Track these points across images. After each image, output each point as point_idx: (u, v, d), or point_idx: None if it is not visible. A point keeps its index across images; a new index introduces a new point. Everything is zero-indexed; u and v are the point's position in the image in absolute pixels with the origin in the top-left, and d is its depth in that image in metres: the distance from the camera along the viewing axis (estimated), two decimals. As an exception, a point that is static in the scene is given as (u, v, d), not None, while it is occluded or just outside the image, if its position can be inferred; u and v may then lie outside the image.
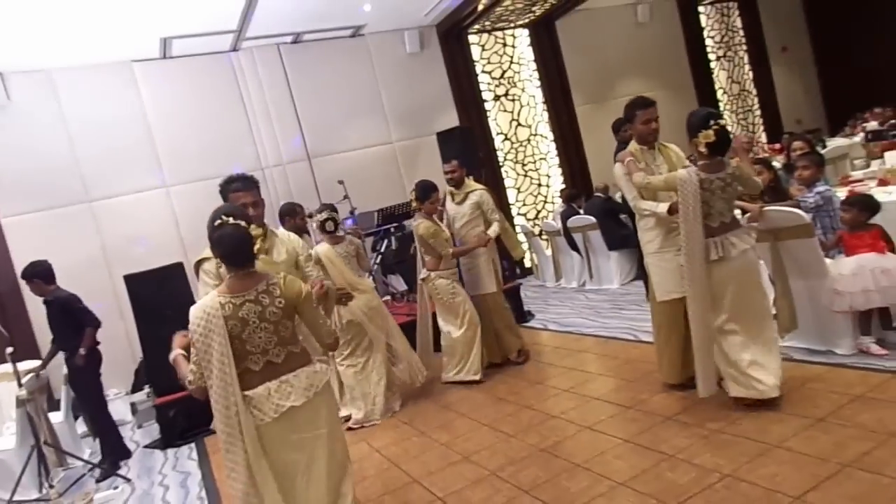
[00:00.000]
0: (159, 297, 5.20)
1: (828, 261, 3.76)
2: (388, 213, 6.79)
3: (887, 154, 4.59)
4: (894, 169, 4.37)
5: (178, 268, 5.55)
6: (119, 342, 6.73)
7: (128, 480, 4.58)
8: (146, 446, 5.32)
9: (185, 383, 2.34)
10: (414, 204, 4.76)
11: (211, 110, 7.58)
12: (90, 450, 5.42)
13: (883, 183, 4.37)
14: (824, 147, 8.10)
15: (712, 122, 3.17)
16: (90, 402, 4.98)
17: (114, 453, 4.88)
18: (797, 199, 4.01)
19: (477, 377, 4.75)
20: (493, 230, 4.91)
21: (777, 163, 5.71)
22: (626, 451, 3.15)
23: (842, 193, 4.38)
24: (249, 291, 2.28)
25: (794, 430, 2.93)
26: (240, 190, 3.00)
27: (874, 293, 3.43)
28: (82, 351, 4.67)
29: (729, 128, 3.25)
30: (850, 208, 3.65)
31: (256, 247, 2.60)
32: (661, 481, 2.78)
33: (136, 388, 6.60)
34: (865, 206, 3.63)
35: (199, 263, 2.94)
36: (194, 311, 2.26)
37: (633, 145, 3.72)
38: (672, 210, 3.34)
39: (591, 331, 5.56)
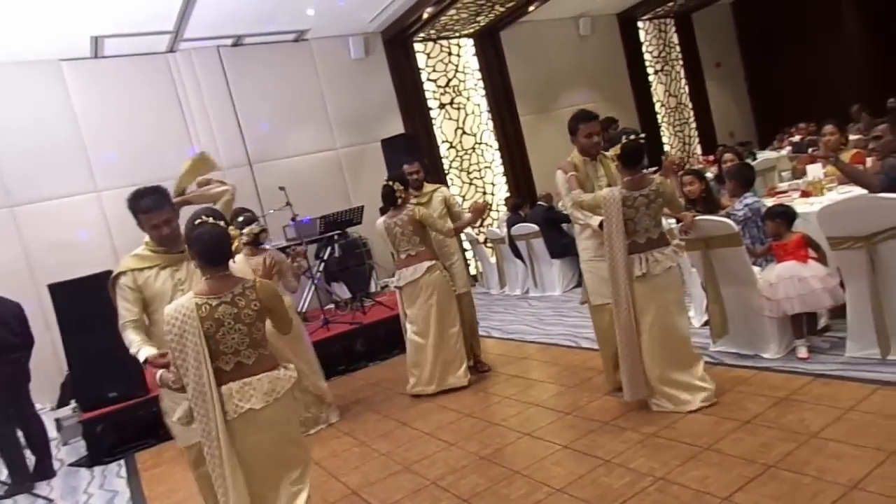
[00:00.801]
0: (86, 306, 4.95)
1: (757, 269, 3.92)
2: (330, 221, 6.69)
3: (809, 167, 4.84)
4: (815, 181, 4.60)
5: (106, 276, 5.26)
6: (44, 354, 6.33)
7: (50, 501, 4.33)
8: (71, 464, 5.06)
9: (166, 384, 2.40)
10: (401, 196, 4.54)
11: (146, 113, 7.31)
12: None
13: (805, 194, 4.59)
14: (754, 159, 8.48)
15: (624, 137, 3.31)
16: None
17: (16, 472, 4.58)
18: (727, 212, 4.16)
19: (467, 380, 4.62)
20: (469, 217, 4.80)
21: (710, 173, 5.93)
22: (563, 456, 3.19)
23: (770, 204, 4.58)
24: (225, 294, 2.30)
25: (723, 433, 3.03)
26: (150, 210, 2.70)
27: (794, 300, 3.59)
28: None
29: (643, 143, 3.35)
30: (771, 220, 3.82)
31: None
32: (596, 486, 2.82)
33: (62, 403, 6.26)
34: (781, 214, 3.81)
35: (115, 279, 2.75)
36: (169, 311, 2.30)
37: (575, 156, 3.81)
38: (601, 226, 3.45)
39: (534, 338, 5.63)
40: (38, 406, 6.44)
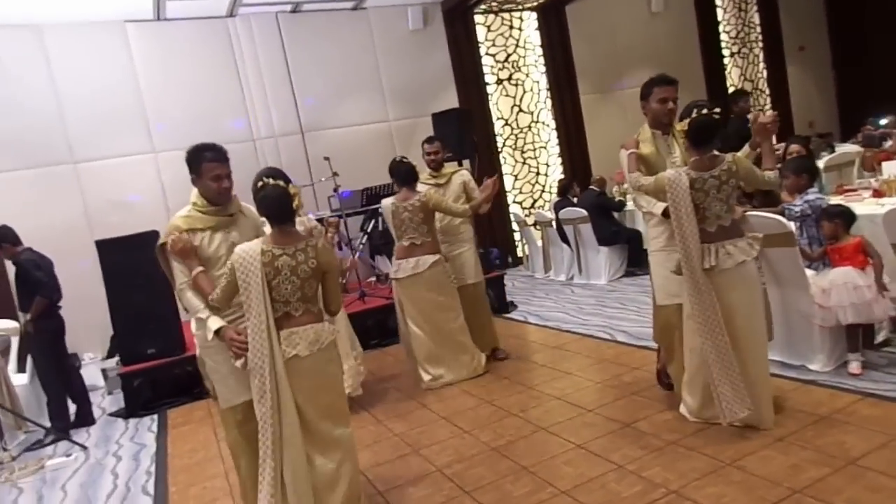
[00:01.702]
0: (131, 264, 5.09)
1: (811, 273, 3.59)
2: (372, 194, 6.64)
3: (885, 164, 4.39)
4: (890, 180, 4.16)
5: (153, 236, 5.41)
6: (98, 306, 6.58)
7: (84, 448, 4.52)
8: (110, 414, 5.27)
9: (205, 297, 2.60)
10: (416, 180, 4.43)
11: (204, 77, 7.44)
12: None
13: (878, 194, 4.17)
14: (832, 152, 7.85)
15: (695, 111, 2.91)
16: (42, 369, 4.89)
17: (59, 420, 4.79)
18: (783, 207, 3.82)
19: (482, 369, 4.44)
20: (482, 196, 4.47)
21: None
22: (576, 456, 3.03)
23: (835, 202, 4.20)
24: (289, 246, 2.50)
25: (751, 449, 2.80)
26: (214, 160, 2.70)
27: (847, 308, 3.26)
28: (28, 317, 4.59)
29: (717, 119, 2.89)
30: (829, 220, 3.47)
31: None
32: (604, 492, 2.66)
33: (110, 354, 6.54)
34: (840, 216, 3.46)
35: (164, 244, 2.71)
36: (238, 251, 2.51)
37: (644, 130, 3.31)
38: (667, 213, 3.05)
39: (570, 327, 5.44)
40: (89, 355, 6.84)
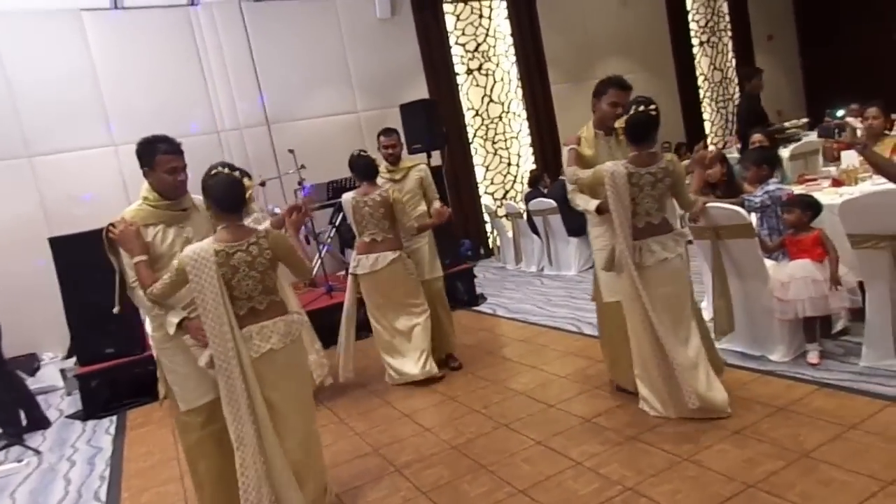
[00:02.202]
0: (88, 261, 4.88)
1: (771, 263, 3.59)
2: (338, 187, 6.53)
3: (844, 154, 4.40)
4: (849, 170, 4.17)
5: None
6: (57, 304, 6.43)
7: (38, 453, 4.38)
8: (68, 416, 5.12)
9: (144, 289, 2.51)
10: (383, 172, 4.35)
11: (165, 67, 7.23)
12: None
13: (837, 183, 4.18)
14: (799, 141, 7.90)
15: (633, 108, 2.90)
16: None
17: (10, 425, 4.64)
18: (742, 198, 3.81)
19: (437, 370, 4.26)
20: (431, 221, 4.43)
21: (737, 155, 5.51)
22: (535, 454, 2.99)
23: (798, 192, 4.20)
24: (241, 242, 2.43)
25: (708, 442, 2.78)
26: (169, 152, 2.62)
27: (806, 302, 3.26)
28: None
29: (655, 115, 2.89)
30: (793, 209, 3.46)
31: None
32: (560, 490, 2.62)
33: (70, 354, 6.36)
34: (807, 206, 3.45)
35: (112, 240, 2.60)
36: (189, 252, 2.41)
37: (587, 128, 3.35)
38: (601, 210, 3.08)
39: (537, 319, 5.41)
40: (49, 355, 6.66)
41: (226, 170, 2.45)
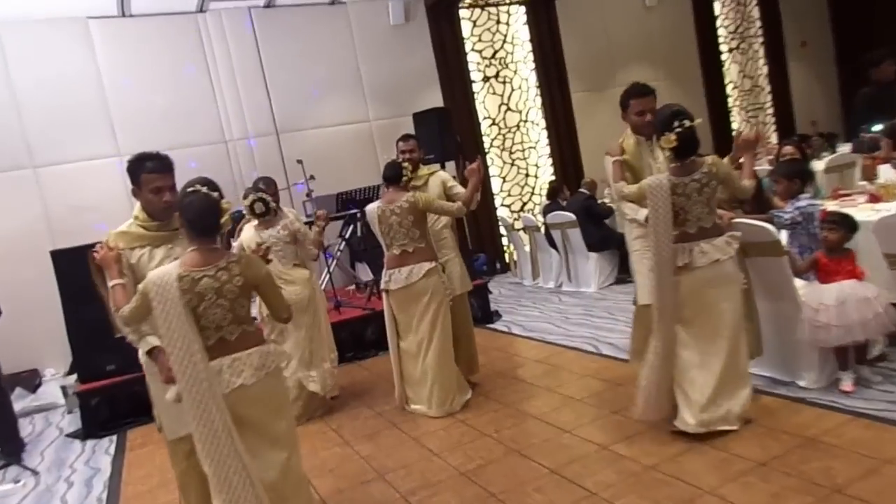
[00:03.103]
0: (89, 275, 4.98)
1: (800, 284, 3.52)
2: (347, 198, 6.56)
3: (881, 168, 4.33)
4: (888, 185, 4.10)
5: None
6: (59, 319, 6.54)
7: (35, 473, 4.42)
8: (67, 435, 5.16)
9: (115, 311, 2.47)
10: (407, 176, 4.21)
11: (172, 76, 7.35)
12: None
13: (874, 199, 4.10)
14: (833, 152, 7.80)
15: (676, 123, 2.96)
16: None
17: (8, 443, 4.68)
18: (772, 213, 3.76)
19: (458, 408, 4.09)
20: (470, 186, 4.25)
21: (767, 167, 5.44)
22: (548, 483, 2.95)
23: (833, 208, 4.13)
24: (209, 267, 2.34)
25: (733, 475, 2.72)
26: (154, 171, 2.61)
27: (857, 326, 3.17)
28: None
29: (694, 125, 3.01)
30: (837, 228, 3.37)
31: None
32: (574, 524, 2.58)
33: (72, 371, 6.43)
34: (851, 226, 3.38)
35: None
36: (152, 277, 2.35)
37: (627, 136, 3.50)
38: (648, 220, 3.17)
39: (554, 338, 5.37)
40: (51, 371, 6.73)
41: (204, 189, 2.36)
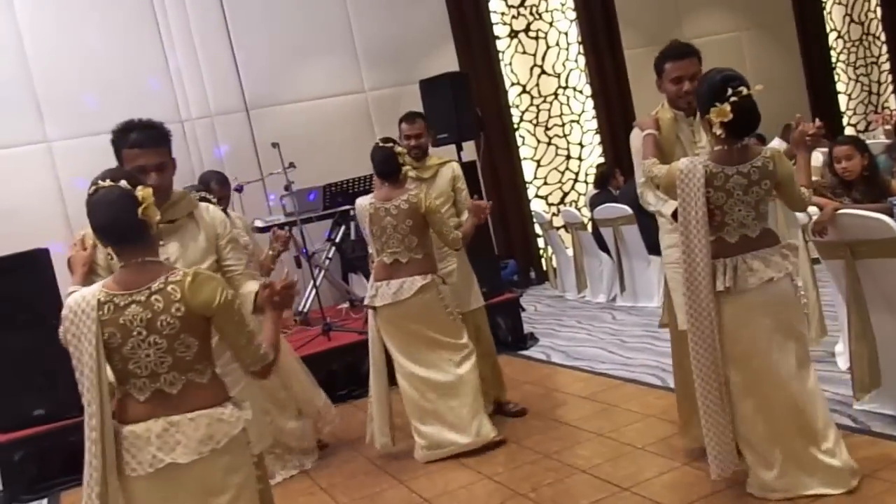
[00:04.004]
0: (9, 295, 5.04)
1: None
2: (337, 192, 6.59)
3: None
4: None
5: (41, 256, 5.38)
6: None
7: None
8: (-16, 499, 5.22)
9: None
10: (404, 165, 4.30)
11: (114, 43, 7.45)
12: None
13: None
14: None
15: (730, 90, 2.88)
16: None
17: None
18: (891, 202, 3.73)
19: (495, 434, 4.25)
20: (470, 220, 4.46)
21: (883, 139, 5.39)
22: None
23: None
24: (141, 290, 2.15)
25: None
26: (137, 145, 2.63)
27: None
28: None
29: (754, 97, 2.90)
30: None
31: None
32: None
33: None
34: None
35: None
36: (69, 302, 2.23)
37: (663, 110, 3.48)
38: (676, 215, 3.09)
39: (607, 368, 5.40)
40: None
41: (107, 182, 2.19)
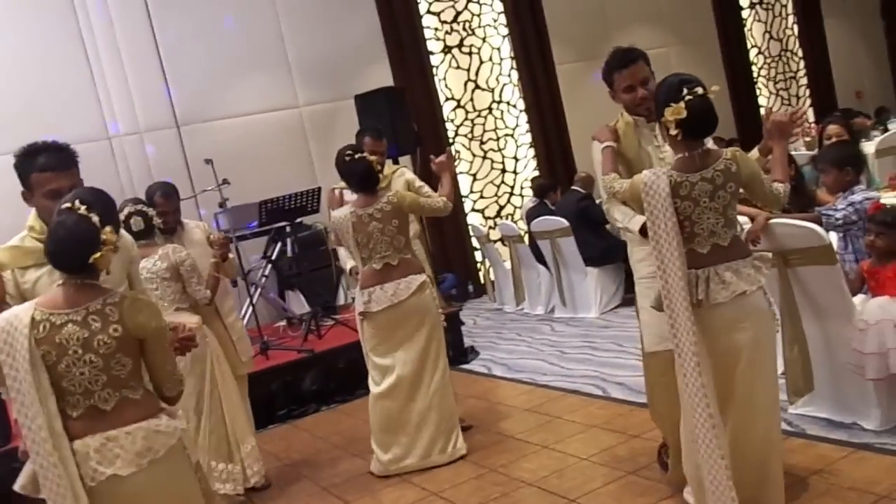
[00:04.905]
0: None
1: (859, 299, 3.59)
2: (273, 208, 6.50)
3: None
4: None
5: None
6: None
7: None
8: None
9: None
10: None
11: (35, 56, 7.22)
12: None
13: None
14: (886, 131, 8.07)
15: (685, 91, 2.80)
16: None
17: None
18: (819, 211, 3.84)
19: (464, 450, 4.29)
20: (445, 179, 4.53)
21: (804, 151, 5.59)
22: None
23: (889, 200, 4.24)
24: (78, 309, 2.21)
25: (786, 547, 2.74)
26: (48, 168, 2.59)
27: (890, 354, 3.23)
28: None
29: (711, 97, 2.81)
30: (888, 230, 3.44)
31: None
32: None
33: None
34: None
35: None
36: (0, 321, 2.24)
37: (621, 118, 3.35)
38: (644, 231, 2.98)
39: (548, 380, 5.42)
40: None
41: (82, 209, 2.23)
